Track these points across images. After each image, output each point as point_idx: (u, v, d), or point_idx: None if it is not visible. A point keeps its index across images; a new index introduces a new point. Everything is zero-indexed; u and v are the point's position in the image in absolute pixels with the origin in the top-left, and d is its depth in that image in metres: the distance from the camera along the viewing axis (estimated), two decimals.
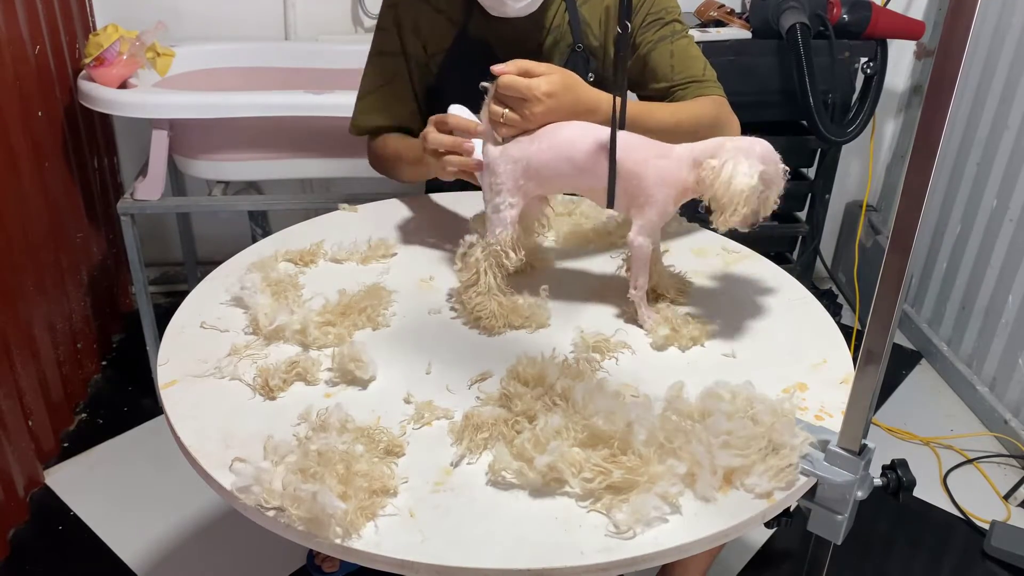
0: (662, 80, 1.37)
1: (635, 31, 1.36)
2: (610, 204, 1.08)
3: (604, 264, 1.26)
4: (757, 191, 0.98)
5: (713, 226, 1.03)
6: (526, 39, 1.37)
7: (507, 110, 1.10)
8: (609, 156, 1.05)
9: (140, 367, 2.17)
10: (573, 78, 1.16)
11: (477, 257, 1.11)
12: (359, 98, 1.47)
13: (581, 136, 1.09)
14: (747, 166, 0.98)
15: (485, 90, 1.12)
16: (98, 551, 1.73)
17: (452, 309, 1.15)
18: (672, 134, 1.16)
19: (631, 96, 1.32)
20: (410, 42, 1.42)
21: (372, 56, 1.45)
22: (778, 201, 1.03)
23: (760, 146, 1.01)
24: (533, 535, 0.79)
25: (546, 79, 1.11)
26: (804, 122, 2.12)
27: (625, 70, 1.12)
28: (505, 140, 1.12)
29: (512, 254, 1.11)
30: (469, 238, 1.13)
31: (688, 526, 0.80)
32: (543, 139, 1.11)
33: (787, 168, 1.03)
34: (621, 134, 1.06)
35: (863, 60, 2.15)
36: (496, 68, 1.11)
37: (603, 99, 1.17)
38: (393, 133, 1.46)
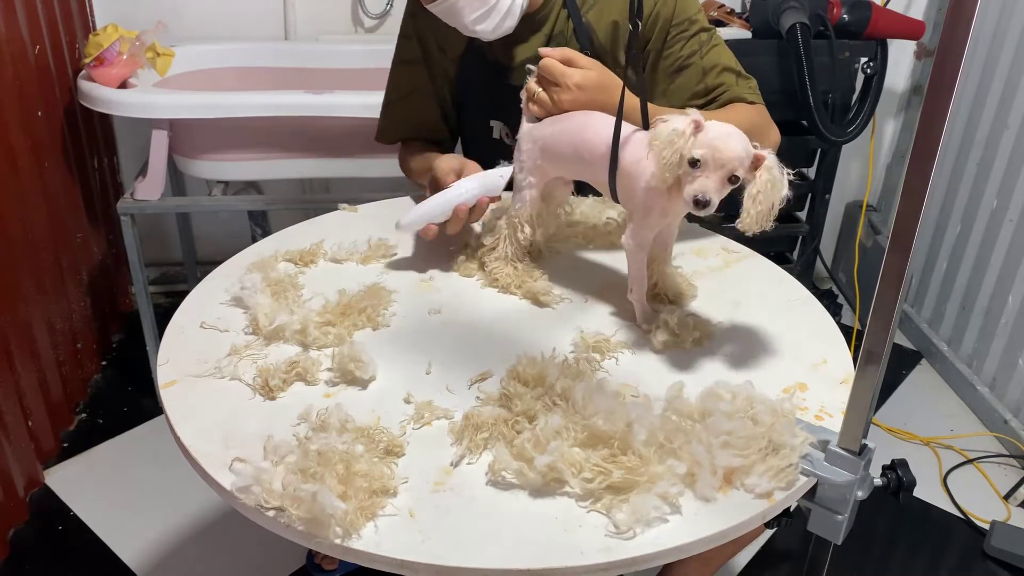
0: (696, 97, 1.35)
1: (663, 44, 1.34)
2: (613, 197, 1.09)
3: (604, 264, 1.26)
4: (683, 137, 0.93)
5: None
6: (528, 46, 1.37)
7: (541, 90, 1.15)
8: (612, 148, 1.06)
9: (140, 367, 2.17)
10: (611, 80, 1.17)
11: (500, 225, 1.20)
12: (384, 106, 1.51)
13: (590, 125, 1.10)
14: (679, 117, 0.96)
15: (531, 72, 1.17)
16: (98, 551, 1.73)
17: (478, 268, 1.22)
18: None
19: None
20: (432, 48, 1.44)
21: (394, 64, 1.48)
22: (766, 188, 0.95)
23: (718, 123, 0.96)
24: (533, 535, 0.79)
25: (582, 72, 1.15)
26: (804, 122, 2.11)
27: (639, 70, 1.13)
28: (540, 119, 1.17)
29: (528, 228, 1.18)
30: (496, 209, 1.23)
31: (688, 526, 0.80)
32: (560, 123, 1.14)
33: (781, 179, 0.95)
34: (634, 132, 1.06)
35: (863, 60, 2.15)
36: (543, 51, 1.16)
37: (635, 107, 1.14)
38: (416, 142, 1.50)
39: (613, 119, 1.07)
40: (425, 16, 1.39)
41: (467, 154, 1.58)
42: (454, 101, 1.49)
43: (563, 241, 1.31)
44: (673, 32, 1.33)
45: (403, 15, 1.46)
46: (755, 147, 0.96)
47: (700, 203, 0.93)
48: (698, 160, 0.93)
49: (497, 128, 1.45)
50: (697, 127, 0.95)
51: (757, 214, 0.93)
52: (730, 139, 0.94)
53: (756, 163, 0.96)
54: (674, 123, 0.96)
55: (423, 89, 1.47)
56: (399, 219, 1.21)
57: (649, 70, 1.35)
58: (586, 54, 1.33)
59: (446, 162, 1.27)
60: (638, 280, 1.09)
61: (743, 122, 1.26)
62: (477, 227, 1.29)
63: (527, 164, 1.16)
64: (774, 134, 1.33)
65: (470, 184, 1.22)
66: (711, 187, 0.93)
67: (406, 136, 1.52)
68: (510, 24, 1.31)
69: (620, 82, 1.19)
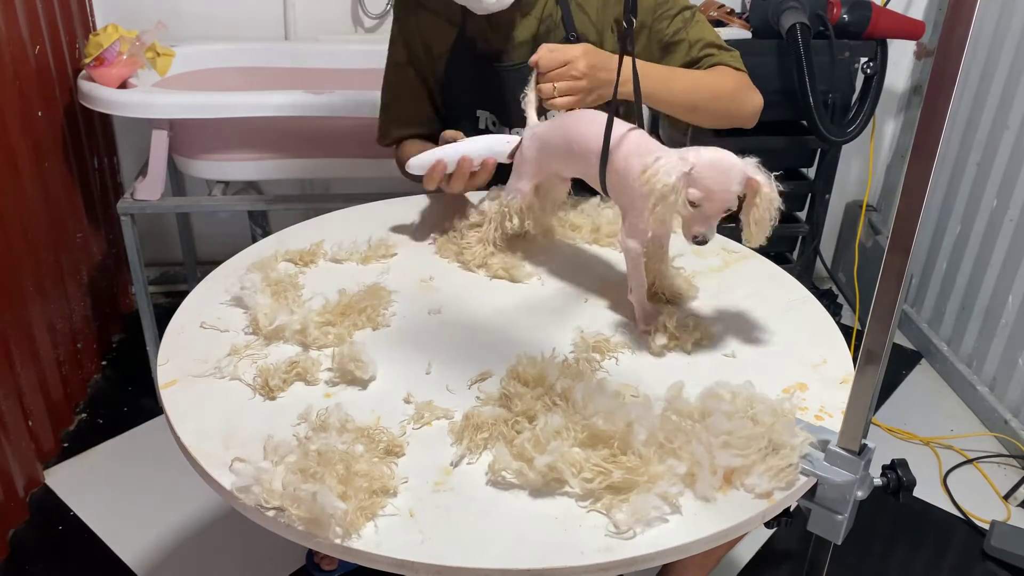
0: (682, 65, 1.41)
1: (648, 23, 1.38)
2: (604, 191, 1.10)
3: (604, 263, 1.26)
4: (675, 192, 0.94)
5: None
6: (519, 30, 1.39)
7: (556, 85, 1.19)
8: (603, 143, 1.06)
9: (140, 367, 2.17)
10: (604, 57, 1.24)
11: (490, 207, 1.23)
12: (381, 109, 1.54)
13: (584, 120, 1.11)
14: (670, 164, 0.95)
15: (530, 73, 1.21)
16: (98, 551, 1.73)
17: (449, 241, 1.27)
18: (692, 111, 1.26)
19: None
20: (417, 49, 1.46)
21: (387, 67, 1.51)
22: (758, 220, 0.98)
23: (710, 153, 0.96)
24: (533, 535, 0.79)
25: (573, 47, 1.21)
26: (804, 122, 2.11)
27: (633, 66, 1.15)
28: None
29: (516, 220, 1.20)
30: (495, 190, 1.25)
31: (688, 526, 0.80)
32: (559, 119, 1.17)
33: (776, 196, 0.97)
34: (626, 129, 1.06)
35: (863, 60, 2.15)
36: (531, 60, 1.19)
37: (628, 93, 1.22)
38: (415, 140, 1.52)
39: (603, 117, 1.08)
40: (408, 18, 1.43)
41: None
42: (442, 96, 1.51)
43: (563, 240, 1.31)
44: (659, 12, 1.37)
45: (392, 19, 1.49)
46: (747, 165, 0.97)
47: (700, 242, 0.99)
48: (696, 203, 0.96)
49: (484, 118, 1.47)
50: (688, 177, 0.95)
51: (761, 233, 0.99)
52: (727, 176, 0.95)
53: (752, 188, 0.97)
54: (666, 173, 0.95)
55: (414, 89, 1.50)
56: (409, 161, 1.26)
57: (638, 52, 1.37)
58: (572, 38, 1.35)
59: (451, 132, 1.33)
60: (637, 279, 1.09)
61: (728, 82, 1.36)
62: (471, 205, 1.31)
63: (527, 158, 1.18)
64: (755, 98, 1.39)
65: (477, 141, 1.25)
66: (709, 225, 0.98)
67: (403, 135, 1.54)
68: None
69: (609, 56, 1.24)
